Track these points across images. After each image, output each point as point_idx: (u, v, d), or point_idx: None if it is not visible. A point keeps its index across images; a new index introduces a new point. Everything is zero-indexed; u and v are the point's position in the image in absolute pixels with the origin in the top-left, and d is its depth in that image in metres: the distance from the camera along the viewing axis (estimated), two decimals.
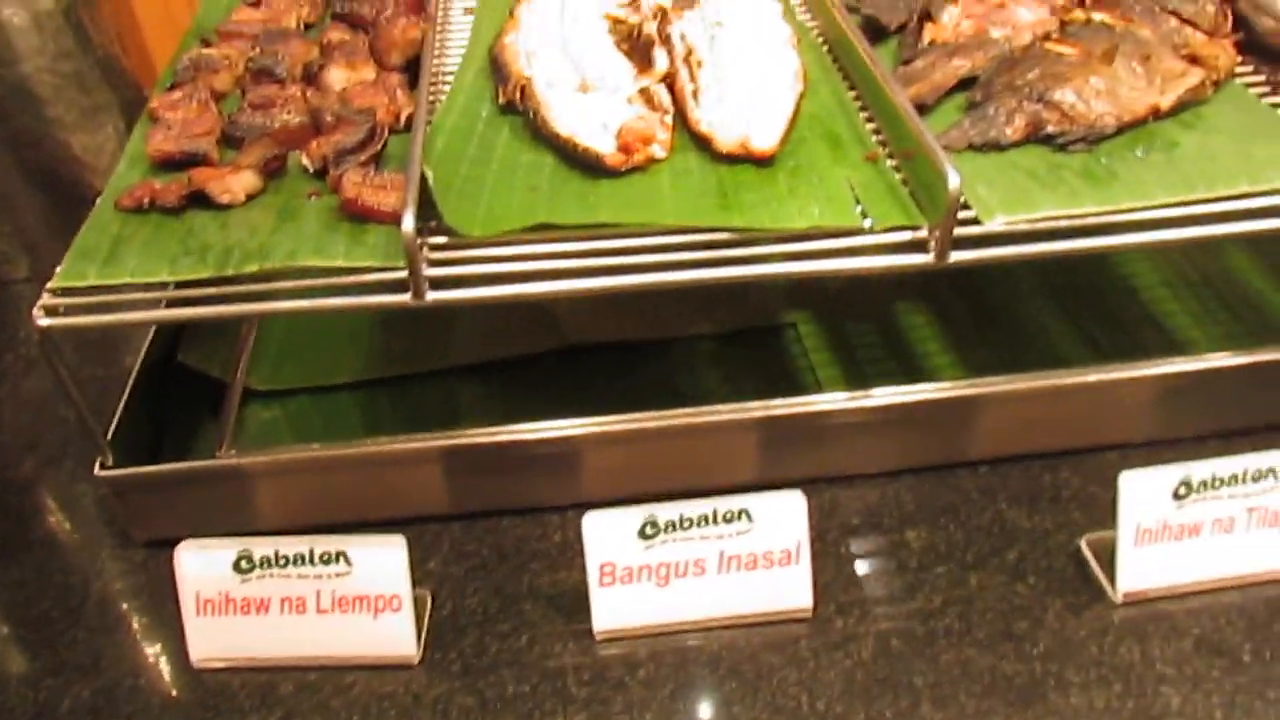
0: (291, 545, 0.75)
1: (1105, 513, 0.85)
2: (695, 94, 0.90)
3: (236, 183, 0.81)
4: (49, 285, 0.75)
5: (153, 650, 0.80)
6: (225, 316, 0.75)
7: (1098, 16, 0.95)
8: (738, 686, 0.75)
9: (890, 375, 0.99)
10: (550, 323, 1.04)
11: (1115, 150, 0.84)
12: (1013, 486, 0.89)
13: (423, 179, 0.77)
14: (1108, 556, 0.80)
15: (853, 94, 0.95)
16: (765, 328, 1.06)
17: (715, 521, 0.77)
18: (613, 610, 0.78)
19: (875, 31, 1.02)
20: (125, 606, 0.84)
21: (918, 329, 1.05)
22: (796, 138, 0.86)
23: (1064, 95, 0.86)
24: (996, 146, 0.84)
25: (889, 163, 0.85)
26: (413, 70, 0.96)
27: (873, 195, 0.81)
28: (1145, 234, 0.77)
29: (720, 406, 0.86)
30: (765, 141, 0.84)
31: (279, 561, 0.75)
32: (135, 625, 0.82)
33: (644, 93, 0.91)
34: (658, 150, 0.85)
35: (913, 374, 1.00)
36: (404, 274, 0.73)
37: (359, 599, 0.76)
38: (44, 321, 0.72)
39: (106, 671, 0.78)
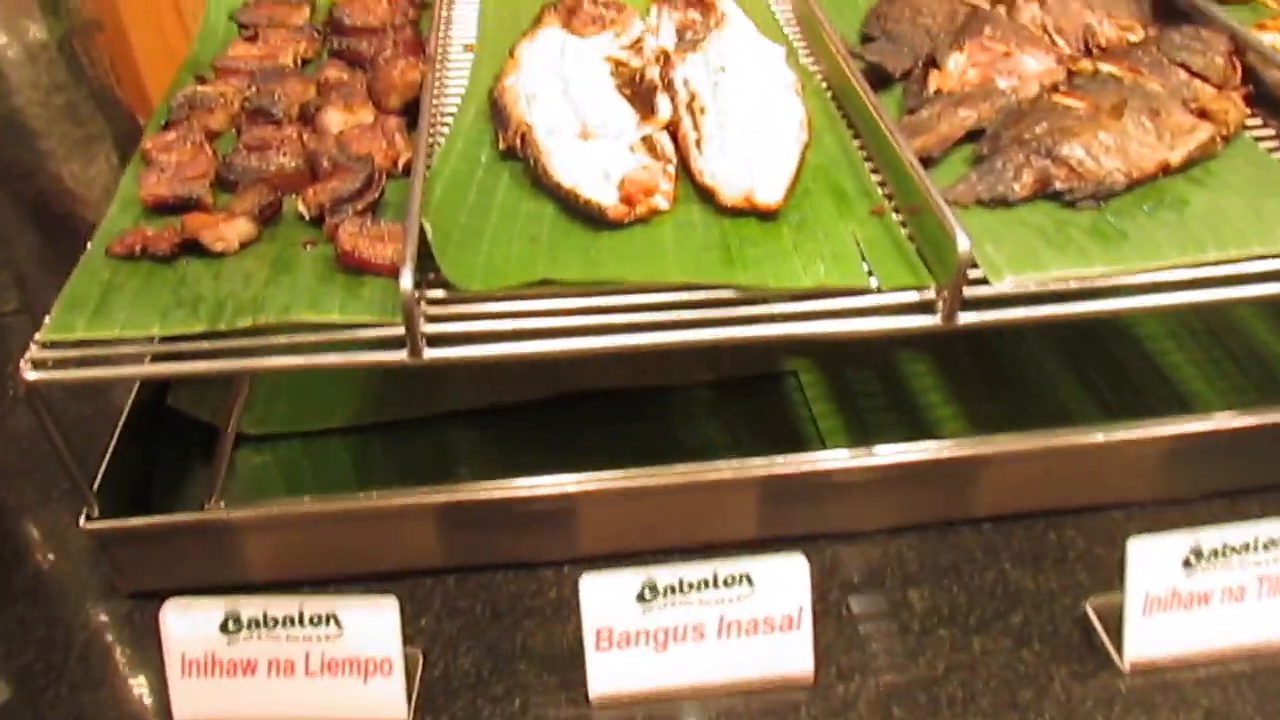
0: (280, 606, 0.73)
1: (1111, 574, 0.83)
2: (699, 143, 0.89)
3: (230, 230, 0.80)
4: (37, 337, 0.73)
5: (137, 710, 0.78)
6: (217, 373, 0.73)
7: (1105, 68, 0.94)
8: None
9: (892, 426, 0.98)
10: (547, 370, 1.03)
11: (1124, 207, 0.83)
12: (1016, 545, 0.88)
13: (421, 231, 0.76)
14: (1114, 622, 0.78)
15: (858, 143, 0.93)
16: (765, 375, 1.04)
17: (715, 585, 0.75)
18: (609, 675, 0.76)
19: (880, 78, 1.01)
20: (110, 661, 0.82)
21: (919, 378, 1.03)
22: (801, 190, 0.85)
23: (1073, 150, 0.84)
24: (1004, 202, 0.83)
25: (895, 216, 0.84)
26: (411, 112, 0.95)
27: (879, 252, 0.79)
28: (1156, 297, 0.76)
29: (720, 463, 0.84)
30: (770, 196, 0.82)
31: (267, 623, 0.73)
32: (120, 682, 0.80)
33: (646, 140, 0.90)
34: (661, 202, 0.84)
35: (915, 425, 0.98)
36: (401, 330, 0.72)
37: (349, 661, 0.74)
38: (31, 375, 0.70)
39: None
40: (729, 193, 0.83)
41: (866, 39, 1.08)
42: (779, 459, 0.84)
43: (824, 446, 0.96)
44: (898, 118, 0.94)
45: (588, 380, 1.02)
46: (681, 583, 0.75)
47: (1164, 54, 0.95)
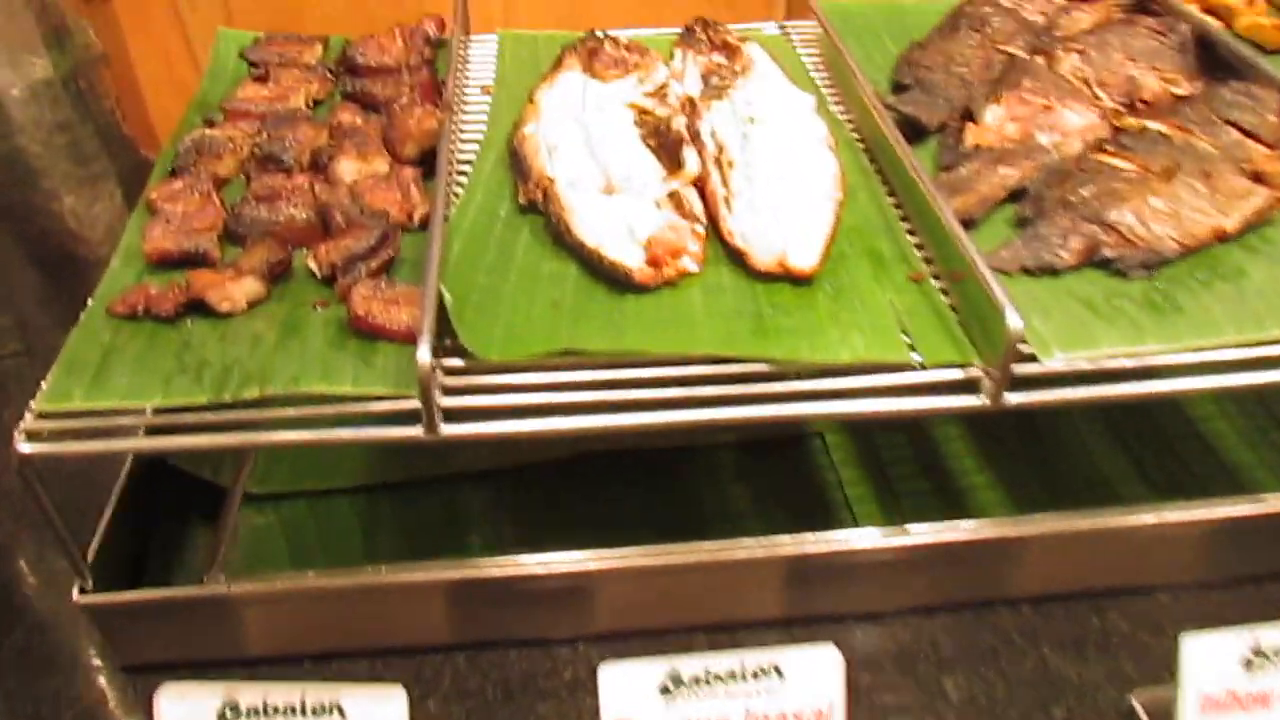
0: (281, 694, 0.69)
1: (1158, 663, 0.79)
2: (727, 200, 0.85)
3: (238, 290, 0.76)
4: (33, 405, 0.69)
5: None
6: (221, 448, 0.69)
7: (1153, 125, 0.90)
8: None
9: (923, 496, 0.94)
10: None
11: (1177, 276, 0.79)
12: (1057, 629, 0.83)
13: (439, 296, 0.72)
14: (1163, 719, 0.74)
15: (893, 200, 0.90)
16: (790, 437, 1.00)
17: (743, 678, 0.71)
18: None
19: (914, 130, 0.97)
20: None
21: (951, 442, 0.99)
22: (836, 253, 0.81)
23: (1122, 216, 0.81)
24: (1050, 270, 0.79)
25: (934, 283, 0.80)
26: (428, 161, 0.91)
27: (920, 323, 0.75)
28: (1215, 378, 0.72)
29: (746, 541, 0.80)
30: (805, 261, 0.78)
31: (267, 711, 0.69)
32: None
33: (673, 196, 0.86)
34: (689, 264, 0.80)
35: (946, 493, 0.94)
36: (417, 404, 0.68)
37: None
38: (26, 448, 0.66)
39: None
40: (761, 256, 0.79)
41: (898, 87, 1.04)
42: (808, 538, 0.80)
43: (851, 514, 0.92)
44: (933, 173, 0.90)
45: (607, 441, 0.98)
46: (707, 674, 0.71)
47: (1213, 111, 0.91)
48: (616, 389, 0.70)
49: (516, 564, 0.78)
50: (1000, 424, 1.01)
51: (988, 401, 0.70)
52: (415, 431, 0.68)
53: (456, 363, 0.72)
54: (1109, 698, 0.78)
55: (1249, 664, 0.71)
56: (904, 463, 0.97)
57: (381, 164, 0.89)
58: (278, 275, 0.79)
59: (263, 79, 1.04)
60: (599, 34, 1.11)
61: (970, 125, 0.95)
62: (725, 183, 0.87)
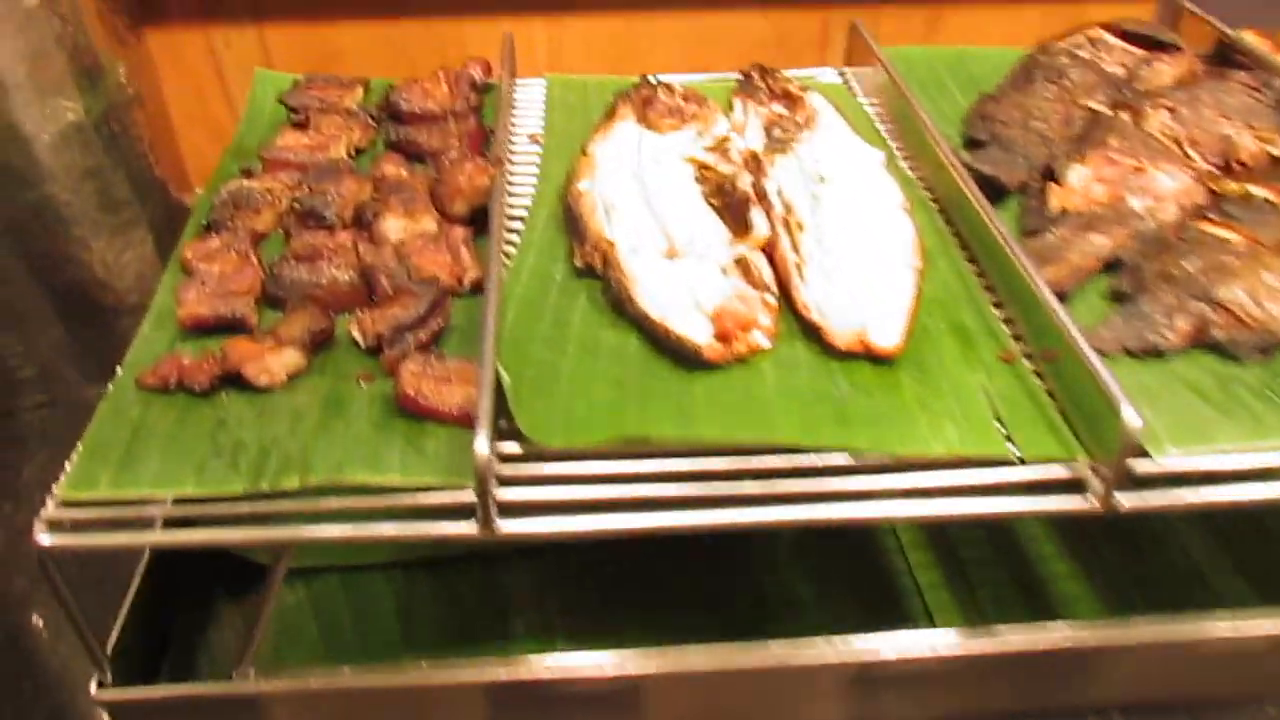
0: None
1: None
2: (799, 268, 0.79)
3: (277, 362, 0.71)
4: (55, 491, 0.63)
5: None
6: (257, 543, 0.63)
7: (1257, 191, 0.84)
8: None
9: (1001, 586, 0.87)
10: None
11: None
12: None
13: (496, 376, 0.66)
14: None
15: (973, 267, 0.83)
16: None
17: None
18: None
19: (992, 190, 0.91)
20: None
21: (1028, 525, 0.93)
22: (918, 329, 0.75)
23: (1233, 293, 0.74)
24: (1155, 353, 0.73)
25: (1026, 362, 0.73)
26: (478, 219, 0.86)
27: (1015, 411, 0.69)
28: None
29: (814, 641, 0.73)
30: (888, 339, 0.72)
31: None
32: None
33: (740, 262, 0.80)
34: (761, 339, 0.74)
35: (1025, 584, 0.88)
36: (471, 497, 0.62)
37: None
38: (46, 540, 0.61)
39: None
40: (839, 333, 0.73)
41: (972, 143, 0.98)
42: (883, 639, 0.73)
43: (923, 603, 0.86)
44: (1015, 237, 0.84)
45: None
46: None
47: None
48: (687, 481, 0.64)
49: (564, 667, 0.72)
50: None
51: (1096, 504, 0.64)
52: (469, 528, 0.62)
53: (513, 448, 0.66)
54: None
55: None
56: (978, 545, 0.90)
57: (429, 222, 0.84)
58: (319, 345, 0.74)
59: (302, 125, 1.00)
60: (652, 80, 1.06)
61: (1053, 186, 0.89)
62: (796, 248, 0.81)
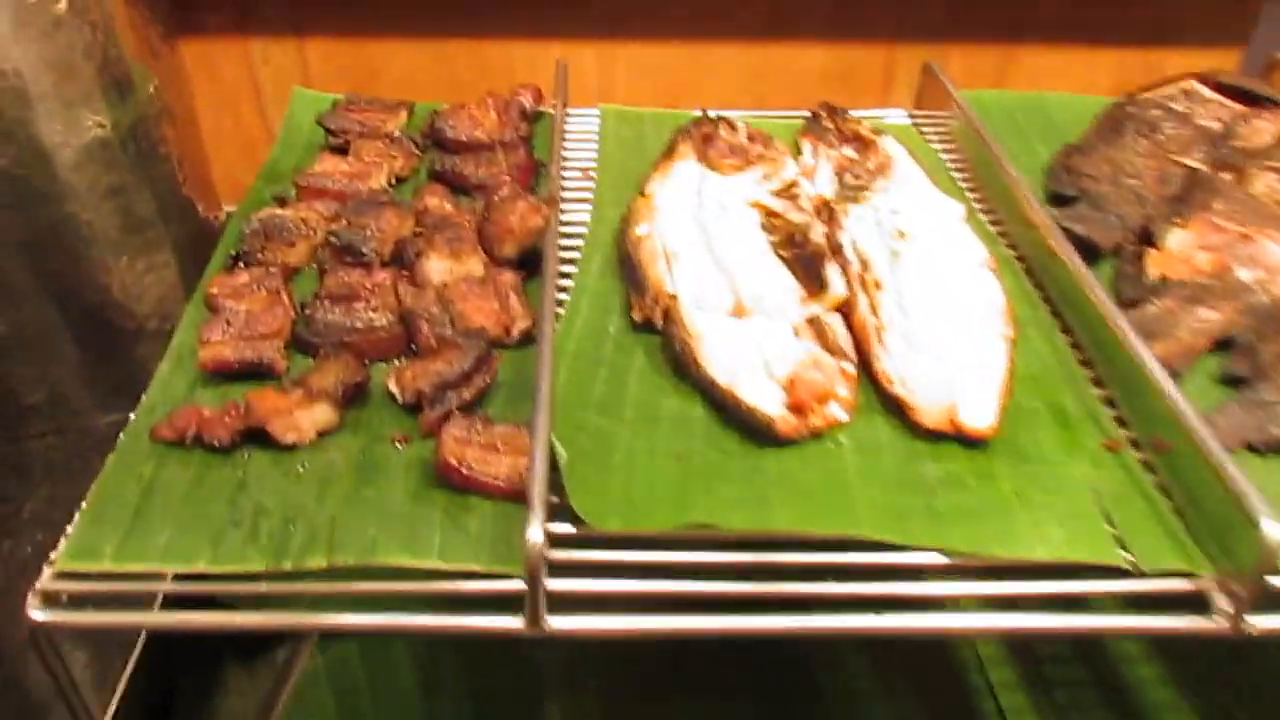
0: None
1: None
2: (879, 333, 0.72)
3: (306, 419, 0.64)
4: (53, 561, 0.57)
5: None
6: (274, 629, 0.56)
7: None
8: None
9: (1082, 688, 0.79)
10: None
11: None
12: None
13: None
14: None
15: (1066, 338, 0.76)
16: None
17: None
18: None
19: (1085, 251, 0.83)
20: None
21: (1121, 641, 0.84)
22: (1011, 407, 0.68)
23: None
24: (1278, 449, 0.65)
25: (1133, 451, 0.66)
26: (527, 262, 0.79)
27: (1126, 511, 0.62)
28: None
29: None
30: (981, 419, 0.65)
31: None
32: None
33: (813, 322, 0.73)
34: (838, 413, 0.67)
35: (1108, 686, 0.80)
36: (519, 586, 0.55)
37: None
38: (40, 616, 0.54)
39: None
40: (927, 410, 0.66)
41: (1057, 198, 0.91)
42: None
43: (998, 707, 0.78)
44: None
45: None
46: None
47: None
48: (760, 578, 0.57)
49: None
50: None
51: (1224, 625, 0.56)
52: (514, 623, 0.55)
53: (562, 526, 0.59)
54: None
55: None
56: (1065, 663, 0.82)
57: (475, 264, 0.77)
58: (352, 399, 0.67)
59: (341, 150, 0.93)
60: (712, 116, 1.00)
61: (1152, 252, 0.82)
62: (875, 310, 0.74)
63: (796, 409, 0.66)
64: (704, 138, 0.96)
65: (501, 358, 0.71)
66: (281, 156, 0.97)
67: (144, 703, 0.70)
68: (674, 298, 0.73)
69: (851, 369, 0.70)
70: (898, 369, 0.69)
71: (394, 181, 0.92)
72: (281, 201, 0.86)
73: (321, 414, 0.65)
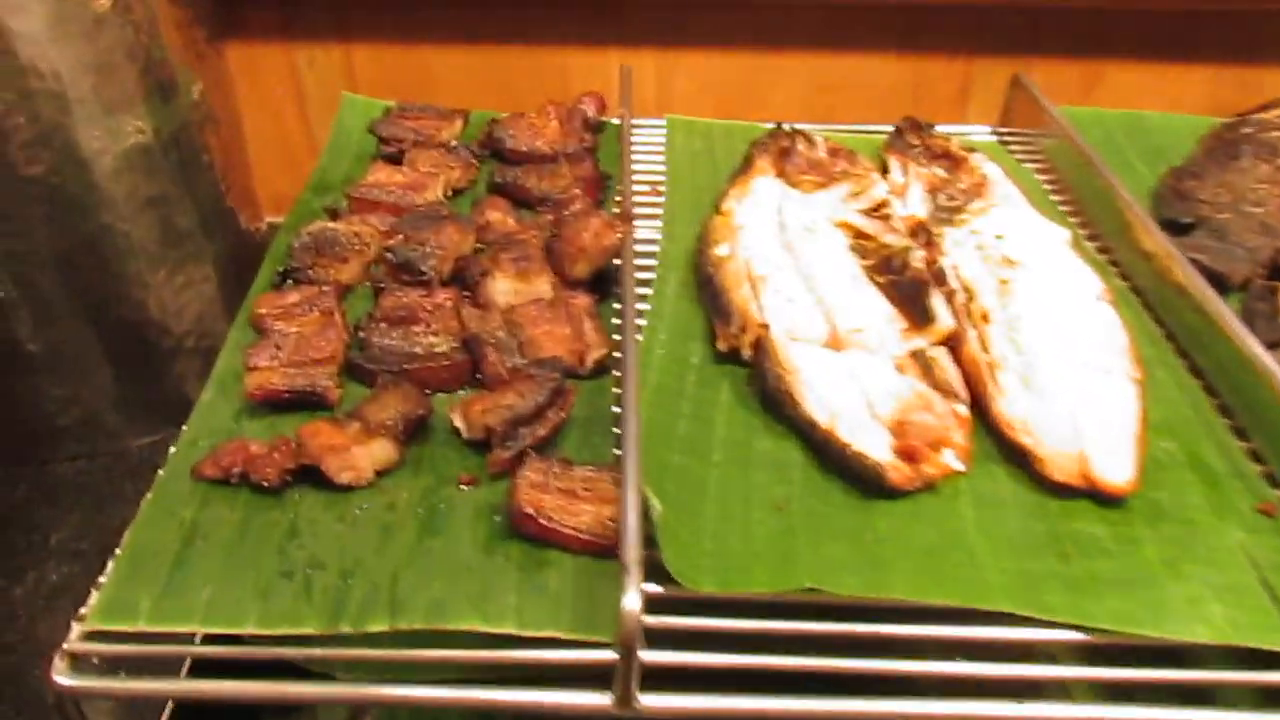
0: None
1: None
2: (993, 371, 0.65)
3: (365, 457, 0.57)
4: (82, 617, 0.50)
5: None
6: (330, 701, 0.50)
7: None
8: None
9: None
10: None
11: None
12: None
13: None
14: None
15: (1198, 382, 0.69)
16: None
17: None
18: None
19: (1213, 284, 0.76)
20: None
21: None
22: (1147, 460, 0.60)
23: None
24: None
25: None
26: (599, 284, 0.73)
27: None
28: None
29: None
30: (1117, 473, 0.58)
31: None
32: None
33: (918, 358, 0.66)
34: (954, 462, 0.60)
35: None
36: (607, 656, 0.48)
37: None
38: (66, 681, 0.48)
39: None
40: (1056, 462, 0.59)
41: (1171, 225, 0.84)
42: None
43: None
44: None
45: None
46: None
47: None
48: (875, 655, 0.50)
49: None
50: None
51: None
52: (602, 700, 0.48)
53: (651, 588, 0.52)
54: None
55: None
56: None
57: (544, 285, 0.71)
58: (413, 433, 0.61)
59: (395, 160, 0.88)
60: (787, 128, 0.93)
61: None
62: (985, 345, 0.67)
63: (907, 456, 0.59)
64: (780, 152, 0.89)
65: (575, 390, 0.65)
66: (330, 166, 0.91)
67: None
68: (765, 327, 0.67)
69: (964, 411, 0.63)
70: (1019, 414, 0.62)
71: (450, 194, 0.86)
72: (333, 214, 0.80)
73: (381, 451, 0.58)
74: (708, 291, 0.73)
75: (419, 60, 1.18)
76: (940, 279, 0.73)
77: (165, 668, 0.50)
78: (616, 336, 0.69)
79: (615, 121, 1.00)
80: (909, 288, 0.71)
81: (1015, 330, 0.68)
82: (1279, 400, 0.60)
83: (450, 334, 0.68)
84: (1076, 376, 0.64)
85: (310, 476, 0.58)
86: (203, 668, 0.50)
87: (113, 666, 0.49)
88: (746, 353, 0.68)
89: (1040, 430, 0.61)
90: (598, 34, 1.16)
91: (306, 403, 0.63)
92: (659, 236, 0.82)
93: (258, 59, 1.16)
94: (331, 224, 0.77)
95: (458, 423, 0.61)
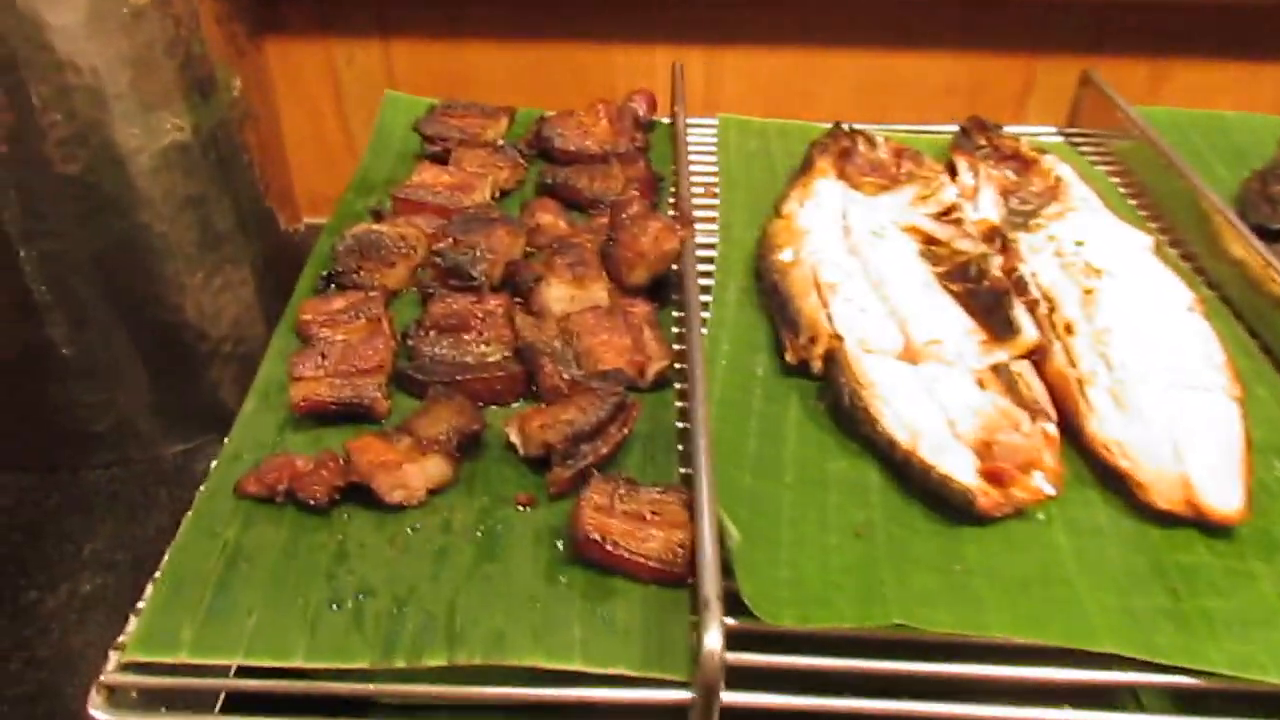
0: None
1: None
2: (1081, 387, 0.61)
3: (418, 475, 0.54)
4: (121, 641, 0.47)
5: None
6: None
7: None
8: None
9: None
10: None
11: None
12: None
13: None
14: None
15: None
16: None
17: None
18: None
19: None
20: None
21: None
22: (1254, 484, 0.56)
23: None
24: None
25: None
26: (656, 290, 0.69)
27: None
28: None
29: None
30: (1226, 501, 0.54)
31: None
32: None
33: (1000, 372, 0.62)
34: (1045, 486, 0.56)
35: None
36: (682, 695, 0.45)
37: None
38: (103, 717, 0.45)
39: None
40: (1158, 488, 0.55)
41: (1259, 232, 0.79)
42: None
43: None
44: None
45: None
46: None
47: None
48: (973, 701, 0.46)
49: None
50: None
51: None
52: None
53: (735, 623, 0.49)
54: None
55: None
56: None
57: (600, 291, 0.67)
58: (466, 449, 0.57)
59: (440, 160, 0.84)
60: (846, 128, 0.89)
61: None
62: (1072, 359, 0.63)
63: (994, 478, 0.55)
64: (841, 152, 0.85)
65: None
66: (373, 165, 0.88)
67: None
68: (839, 339, 0.63)
69: (1053, 430, 0.59)
70: (1114, 435, 0.58)
71: (497, 195, 0.83)
72: (377, 215, 0.77)
73: (434, 468, 0.55)
74: (774, 299, 0.69)
75: (459, 57, 1.15)
76: (1020, 288, 0.68)
77: (207, 702, 0.47)
78: (675, 346, 0.65)
79: (665, 121, 0.97)
80: (988, 297, 0.67)
81: (1103, 343, 0.64)
82: None
83: (502, 343, 0.64)
84: (1173, 394, 0.60)
85: (358, 494, 0.54)
86: (244, 701, 0.47)
87: (152, 700, 0.46)
88: (816, 365, 0.64)
89: (1138, 453, 0.56)
90: (645, 30, 1.13)
91: (353, 415, 0.60)
92: (715, 240, 0.79)
93: (296, 56, 1.14)
94: (376, 226, 0.74)
95: (514, 438, 0.58)
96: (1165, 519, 0.55)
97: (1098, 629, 0.48)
